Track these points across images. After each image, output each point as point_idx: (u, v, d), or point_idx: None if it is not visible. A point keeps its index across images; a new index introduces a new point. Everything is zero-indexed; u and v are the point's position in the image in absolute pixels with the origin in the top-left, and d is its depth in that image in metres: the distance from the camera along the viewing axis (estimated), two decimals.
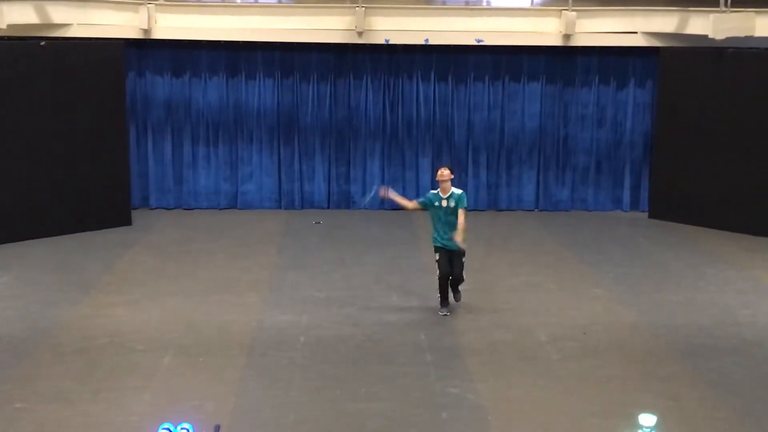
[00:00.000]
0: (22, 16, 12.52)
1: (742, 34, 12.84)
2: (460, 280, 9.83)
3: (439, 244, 9.69)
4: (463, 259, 9.71)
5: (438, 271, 9.75)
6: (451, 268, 9.70)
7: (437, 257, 9.72)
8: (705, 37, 12.90)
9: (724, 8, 12.66)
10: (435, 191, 9.74)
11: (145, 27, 13.30)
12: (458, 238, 9.45)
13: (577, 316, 9.92)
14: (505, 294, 10.67)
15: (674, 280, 11.27)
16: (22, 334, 9.13)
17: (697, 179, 13.92)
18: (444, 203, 9.59)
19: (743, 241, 13.08)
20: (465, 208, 9.62)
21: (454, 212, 9.56)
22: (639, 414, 5.71)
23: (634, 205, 15.13)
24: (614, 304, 10.34)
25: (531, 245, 12.99)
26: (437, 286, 9.84)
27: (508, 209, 15.06)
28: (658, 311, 10.12)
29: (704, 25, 12.85)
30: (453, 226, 9.53)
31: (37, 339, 9.01)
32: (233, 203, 14.97)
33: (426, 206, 9.77)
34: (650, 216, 14.58)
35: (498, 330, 9.47)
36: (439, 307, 9.87)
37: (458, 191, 9.65)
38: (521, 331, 9.43)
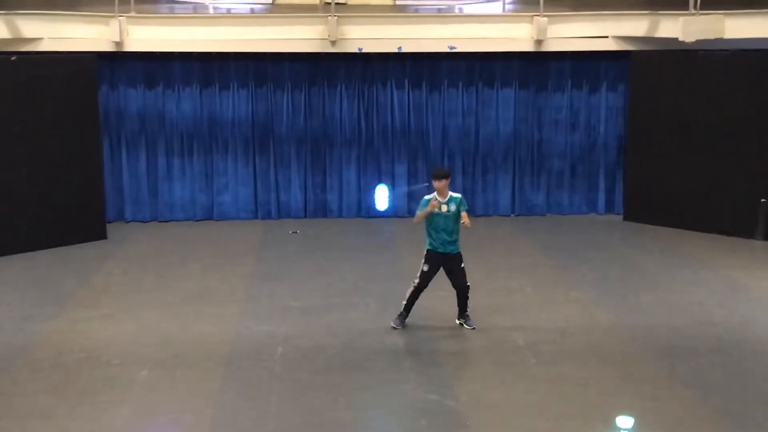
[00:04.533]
0: None
1: (712, 36, 12.96)
2: (466, 289, 9.53)
3: (440, 250, 9.34)
4: (462, 265, 9.46)
5: (417, 281, 9.49)
6: (453, 280, 9.48)
7: (425, 268, 9.39)
8: (675, 39, 13.01)
9: (693, 11, 12.79)
10: (429, 197, 9.38)
11: (117, 39, 13.24)
12: (466, 221, 9.22)
13: (554, 319, 9.97)
14: (482, 299, 10.68)
15: (650, 282, 11.35)
16: None
17: (670, 181, 14.03)
18: (444, 208, 9.34)
19: (717, 241, 13.19)
20: (467, 210, 9.44)
21: (454, 217, 9.34)
22: (617, 416, 5.74)
23: (609, 208, 15.23)
24: (591, 307, 10.40)
25: (507, 250, 13.04)
26: (409, 295, 9.52)
27: (484, 215, 15.10)
28: (634, 313, 10.18)
29: (674, 28, 12.97)
30: (453, 232, 9.34)
31: (13, 355, 8.93)
32: (209, 214, 14.92)
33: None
34: (625, 218, 14.68)
35: (475, 335, 9.49)
36: (396, 318, 9.58)
37: (457, 195, 9.44)
38: (499, 336, 9.46)
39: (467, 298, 9.63)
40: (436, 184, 9.35)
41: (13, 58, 12.51)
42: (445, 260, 9.44)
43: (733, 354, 8.98)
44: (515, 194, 15.19)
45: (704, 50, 13.44)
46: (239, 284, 11.28)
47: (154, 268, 12.06)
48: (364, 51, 13.85)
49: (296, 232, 14.12)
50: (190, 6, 15.57)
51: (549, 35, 13.64)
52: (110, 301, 10.65)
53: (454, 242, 9.43)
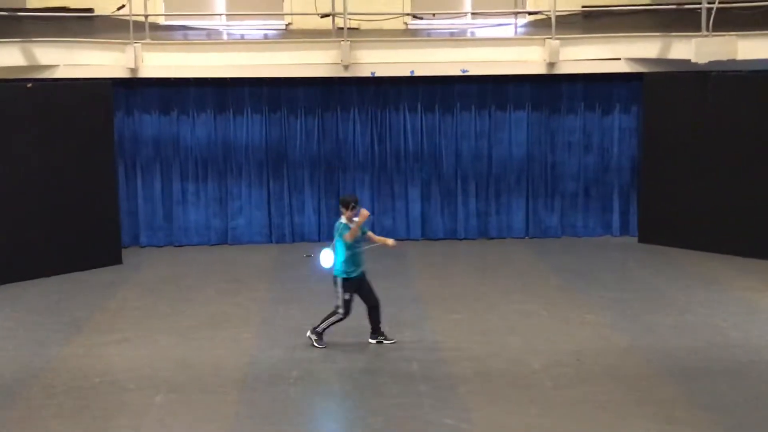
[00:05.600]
0: (9, 58, 12.59)
1: (725, 58, 12.97)
2: (379, 302, 9.84)
3: (355, 275, 9.62)
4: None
5: (342, 311, 9.64)
6: (367, 297, 9.74)
7: (347, 297, 9.61)
8: (688, 61, 13.02)
9: (706, 32, 12.80)
10: (343, 223, 9.65)
11: (132, 66, 13.36)
12: (390, 242, 9.78)
13: (570, 342, 9.92)
14: (497, 322, 10.66)
15: (666, 304, 11.28)
16: (13, 375, 9.08)
17: (685, 202, 13.98)
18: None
19: (733, 262, 13.11)
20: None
21: (363, 238, 9.71)
22: None
23: (624, 230, 15.17)
24: (606, 330, 10.34)
25: (522, 273, 13.00)
26: (331, 322, 9.69)
27: (498, 237, 15.08)
28: (650, 335, 10.13)
29: (687, 49, 12.98)
30: (363, 253, 9.70)
31: (29, 380, 8.96)
32: (224, 239, 14.96)
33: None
34: (640, 240, 14.62)
35: (491, 359, 9.45)
36: (317, 340, 9.72)
37: (355, 218, 9.70)
38: (514, 360, 9.42)
39: (380, 312, 9.81)
40: (365, 212, 9.74)
41: (29, 85, 12.64)
42: (359, 283, 9.71)
43: (750, 375, 8.91)
44: (529, 216, 15.17)
45: (717, 71, 13.44)
46: (254, 308, 11.30)
47: (169, 292, 12.09)
48: (376, 75, 13.92)
49: (310, 256, 14.06)
50: (204, 32, 15.70)
51: (561, 58, 13.68)
52: (125, 326, 10.68)
53: (363, 264, 9.76)
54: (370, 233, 9.90)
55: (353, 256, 9.64)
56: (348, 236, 9.50)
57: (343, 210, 9.77)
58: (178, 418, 8.08)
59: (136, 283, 12.61)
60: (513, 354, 9.57)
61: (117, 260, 13.48)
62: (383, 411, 8.13)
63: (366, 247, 9.73)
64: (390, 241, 9.91)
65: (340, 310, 9.67)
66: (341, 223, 9.69)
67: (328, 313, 9.78)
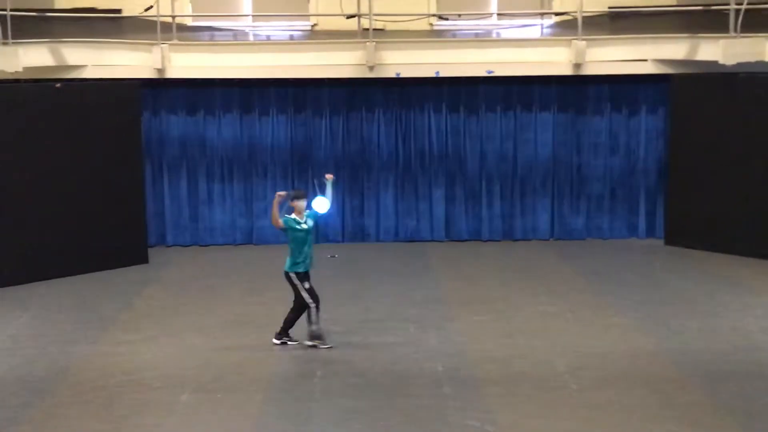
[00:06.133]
0: (38, 59, 12.70)
1: (753, 59, 12.86)
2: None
3: (303, 270, 9.71)
4: None
5: (312, 302, 9.69)
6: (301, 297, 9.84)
7: (307, 286, 9.70)
8: (715, 63, 12.93)
9: (733, 34, 12.70)
10: (291, 216, 9.75)
11: (159, 67, 13.46)
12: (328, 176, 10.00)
13: (595, 345, 9.87)
14: (522, 324, 10.64)
15: (692, 307, 11.21)
16: (41, 373, 9.18)
17: (712, 205, 13.87)
18: (304, 225, 9.75)
19: (760, 266, 13.00)
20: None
21: (313, 232, 9.86)
22: None
23: (650, 232, 15.08)
24: (632, 332, 10.29)
25: (547, 274, 12.95)
26: (314, 318, 9.71)
27: (523, 239, 15.04)
28: (676, 338, 10.06)
29: (714, 51, 12.89)
30: (312, 247, 9.79)
31: (56, 378, 9.05)
32: (249, 239, 15.03)
33: (287, 230, 9.73)
34: (666, 243, 14.53)
35: (516, 361, 9.43)
36: (322, 340, 9.75)
37: (307, 210, 9.84)
38: (539, 361, 9.39)
39: (300, 316, 9.91)
40: (298, 203, 9.79)
41: (57, 85, 12.77)
42: (307, 277, 9.82)
43: None
44: (554, 218, 15.11)
45: (745, 73, 13.33)
46: (279, 308, 11.29)
47: (194, 292, 12.17)
48: (401, 76, 13.93)
49: (334, 256, 14.17)
50: (231, 33, 15.79)
51: (587, 59, 13.63)
52: (152, 325, 10.76)
53: (312, 256, 9.86)
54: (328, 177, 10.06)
55: (299, 248, 9.68)
56: (273, 221, 9.77)
57: (296, 203, 9.88)
58: (203, 416, 8.12)
59: (162, 283, 12.70)
60: (538, 356, 9.54)
61: (143, 260, 13.58)
62: (407, 412, 8.14)
63: (322, 197, 9.85)
64: (328, 175, 10.11)
65: (310, 302, 9.73)
66: (287, 215, 9.86)
67: (306, 314, 9.80)
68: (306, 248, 9.76)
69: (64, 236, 12.83)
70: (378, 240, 15.07)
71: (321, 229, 15.08)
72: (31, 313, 11.25)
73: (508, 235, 15.11)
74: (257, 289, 12.24)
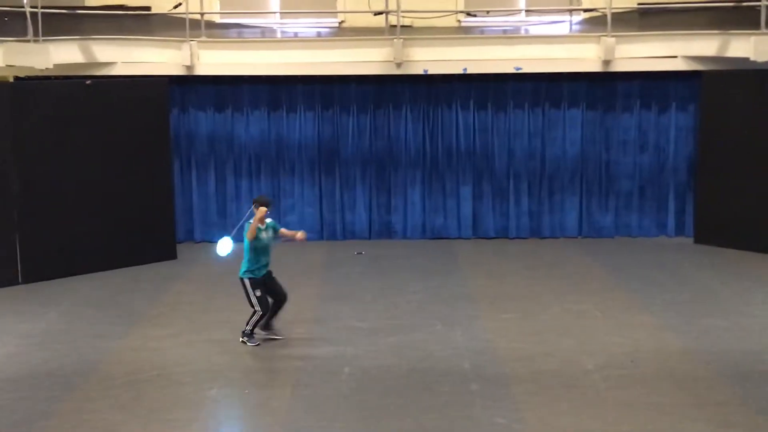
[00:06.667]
0: (69, 56, 12.81)
1: None
2: (286, 297, 10.01)
3: (259, 275, 9.78)
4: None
5: (260, 309, 9.76)
6: (276, 292, 9.90)
7: (258, 293, 9.75)
8: (747, 59, 12.79)
9: (765, 30, 12.56)
10: (258, 225, 9.77)
11: (188, 64, 13.53)
12: (299, 235, 9.96)
13: (624, 343, 9.81)
14: (550, 322, 10.59)
15: (722, 306, 11.11)
16: (70, 368, 9.26)
17: (742, 203, 13.74)
18: (265, 234, 9.83)
19: None
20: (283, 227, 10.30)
21: (274, 238, 9.92)
22: None
23: (680, 231, 14.95)
24: (661, 331, 10.21)
25: (575, 272, 12.89)
26: (254, 322, 9.79)
27: (551, 237, 14.97)
28: (706, 337, 9.98)
29: (745, 47, 12.76)
30: (270, 254, 9.93)
31: (86, 372, 9.13)
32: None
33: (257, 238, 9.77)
34: (696, 241, 14.41)
35: (543, 358, 9.40)
36: (249, 339, 9.84)
37: (270, 220, 9.91)
38: (567, 360, 9.35)
39: (282, 308, 9.99)
40: (262, 209, 9.75)
41: (87, 82, 12.88)
42: (266, 281, 9.87)
43: None
44: (582, 216, 15.03)
45: None
46: (305, 305, 11.37)
47: (222, 287, 12.21)
48: (429, 73, 13.91)
49: (361, 253, 14.18)
50: (259, 30, 15.83)
51: (617, 55, 13.52)
52: (180, 320, 10.82)
53: (269, 263, 9.94)
54: (282, 230, 10.11)
55: (256, 257, 9.77)
56: (248, 234, 9.70)
57: (254, 210, 9.86)
58: (232, 411, 8.16)
59: (191, 278, 12.78)
60: (566, 354, 9.50)
61: (172, 255, 13.67)
62: (435, 409, 8.13)
63: (276, 242, 9.96)
64: (299, 234, 10.04)
65: (258, 308, 9.79)
66: (249, 222, 9.84)
67: (250, 314, 9.86)
68: (263, 257, 9.86)
69: (93, 232, 12.94)
70: (405, 237, 15.07)
71: (348, 226, 15.12)
72: (61, 308, 11.36)
73: (536, 232, 15.05)
74: (284, 286, 12.23)
